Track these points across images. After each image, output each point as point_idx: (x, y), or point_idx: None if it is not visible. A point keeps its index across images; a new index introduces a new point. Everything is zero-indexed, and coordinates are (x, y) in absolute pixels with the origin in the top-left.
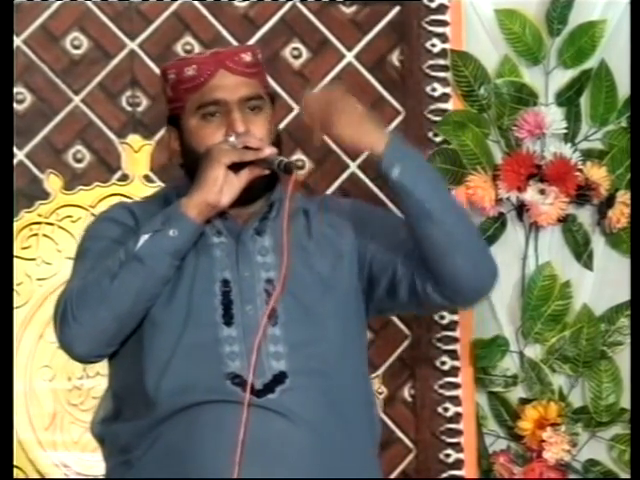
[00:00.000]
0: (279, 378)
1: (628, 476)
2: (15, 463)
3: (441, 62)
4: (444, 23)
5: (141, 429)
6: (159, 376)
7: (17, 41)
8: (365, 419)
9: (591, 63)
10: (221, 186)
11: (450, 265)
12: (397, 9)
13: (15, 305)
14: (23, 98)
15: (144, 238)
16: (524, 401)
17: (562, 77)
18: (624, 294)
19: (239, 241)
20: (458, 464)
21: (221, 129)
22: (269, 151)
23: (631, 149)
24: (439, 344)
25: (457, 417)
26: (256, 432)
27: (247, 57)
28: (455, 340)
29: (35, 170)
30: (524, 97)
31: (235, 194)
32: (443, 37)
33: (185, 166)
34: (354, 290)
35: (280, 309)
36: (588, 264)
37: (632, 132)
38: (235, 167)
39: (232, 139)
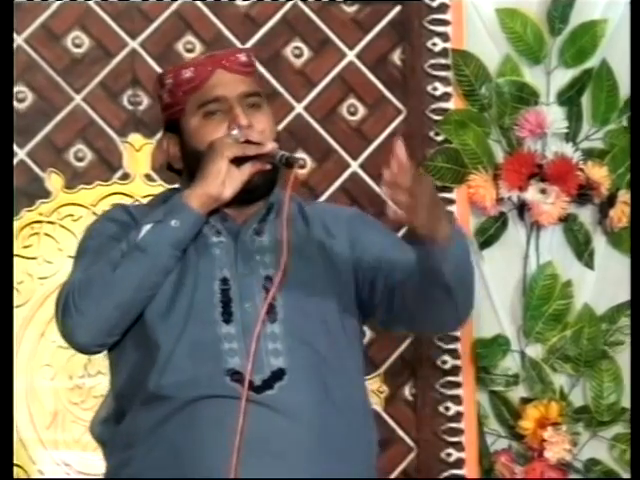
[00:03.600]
0: (278, 375)
1: (629, 475)
2: (16, 462)
3: (442, 61)
4: (445, 22)
5: (142, 426)
6: (161, 372)
7: (18, 40)
8: (363, 416)
9: (592, 62)
10: (223, 179)
11: (440, 321)
12: (398, 8)
13: (16, 304)
14: (24, 97)
15: (146, 228)
16: (525, 400)
17: (563, 76)
18: (625, 293)
19: (238, 240)
20: (459, 463)
21: (223, 125)
22: (271, 145)
23: (631, 149)
24: (440, 343)
25: (458, 416)
26: (254, 429)
27: (242, 57)
28: (456, 339)
29: (36, 169)
30: (525, 96)
31: (237, 187)
32: (444, 36)
33: (187, 169)
34: (348, 293)
35: (279, 306)
36: (589, 263)
37: (632, 132)
38: (237, 161)
39: (235, 132)
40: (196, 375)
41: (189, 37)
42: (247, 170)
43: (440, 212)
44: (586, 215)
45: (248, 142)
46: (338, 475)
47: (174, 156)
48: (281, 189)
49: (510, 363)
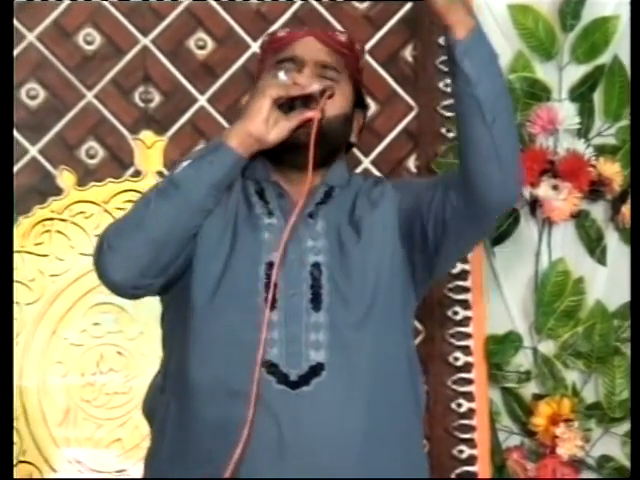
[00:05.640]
0: (316, 370)
1: None
2: (28, 459)
3: None
4: None
5: (176, 415)
6: (200, 360)
7: (30, 37)
8: (409, 414)
9: (604, 58)
10: (266, 118)
11: (484, 172)
12: (409, 5)
13: (28, 301)
14: (36, 94)
15: (182, 165)
16: (537, 397)
17: (575, 72)
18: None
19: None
20: (471, 460)
21: None
22: (317, 86)
23: (631, 149)
24: (452, 340)
25: (470, 413)
26: (288, 428)
27: (342, 37)
28: (468, 336)
29: (48, 166)
30: (537, 92)
31: (283, 135)
32: None
33: None
34: (398, 277)
35: (324, 293)
36: (601, 260)
37: (632, 131)
38: (286, 110)
39: (281, 74)
40: (232, 367)
41: (200, 34)
42: (294, 117)
43: (462, 5)
44: (598, 211)
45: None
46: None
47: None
48: (344, 174)
49: (522, 360)
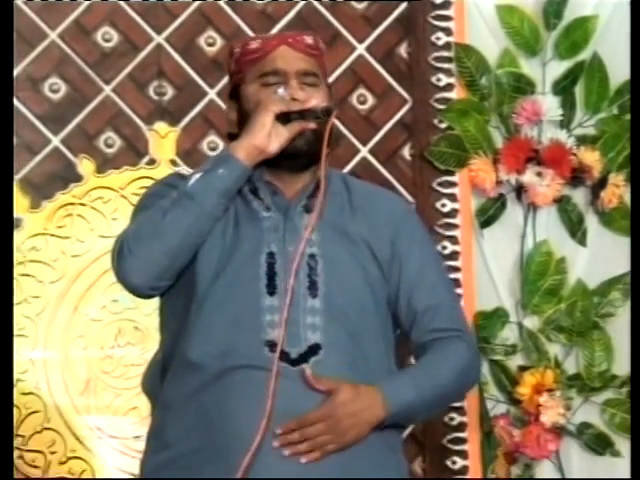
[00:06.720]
0: (314, 349)
1: (618, 438)
2: (52, 427)
3: (445, 54)
4: (448, 18)
5: (178, 393)
6: (202, 341)
7: (52, 35)
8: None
9: (585, 55)
10: (269, 131)
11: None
12: (404, 5)
13: (51, 280)
14: (58, 88)
15: (195, 177)
16: (522, 368)
17: (558, 68)
18: (616, 269)
19: (287, 217)
20: (461, 427)
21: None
22: (315, 101)
23: (631, 135)
24: None
25: None
26: (288, 401)
27: (309, 40)
28: None
29: (69, 155)
30: (523, 86)
31: (283, 144)
32: (447, 31)
33: (241, 133)
34: (380, 282)
35: (320, 282)
36: (582, 241)
37: (632, 120)
38: (284, 120)
39: (281, 90)
40: (235, 345)
41: (210, 32)
42: (293, 128)
43: (360, 417)
44: (579, 196)
45: (293, 100)
46: (363, 447)
47: (232, 121)
48: (326, 168)
49: (509, 334)
